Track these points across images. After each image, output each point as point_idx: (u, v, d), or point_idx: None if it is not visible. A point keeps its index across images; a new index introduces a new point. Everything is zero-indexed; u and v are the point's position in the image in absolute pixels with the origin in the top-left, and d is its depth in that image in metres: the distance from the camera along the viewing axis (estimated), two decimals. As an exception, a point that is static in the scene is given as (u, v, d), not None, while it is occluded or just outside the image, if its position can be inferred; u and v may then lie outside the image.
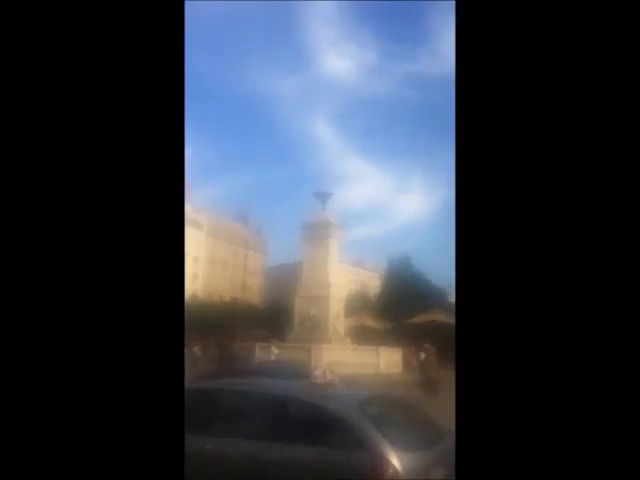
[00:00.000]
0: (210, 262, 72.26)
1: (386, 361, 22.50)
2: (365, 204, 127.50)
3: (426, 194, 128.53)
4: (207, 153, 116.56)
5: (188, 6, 3.02)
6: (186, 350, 15.26)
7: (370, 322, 30.60)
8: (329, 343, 21.39)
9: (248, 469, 4.00)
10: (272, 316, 33.09)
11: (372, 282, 59.82)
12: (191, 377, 8.24)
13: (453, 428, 2.56)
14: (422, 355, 18.15)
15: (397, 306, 34.14)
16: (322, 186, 26.25)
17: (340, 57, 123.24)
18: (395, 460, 3.64)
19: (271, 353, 18.96)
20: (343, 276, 34.19)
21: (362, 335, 25.46)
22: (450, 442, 3.25)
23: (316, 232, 24.50)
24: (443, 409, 4.76)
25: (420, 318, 29.01)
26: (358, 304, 36.74)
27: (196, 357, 20.01)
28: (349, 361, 18.75)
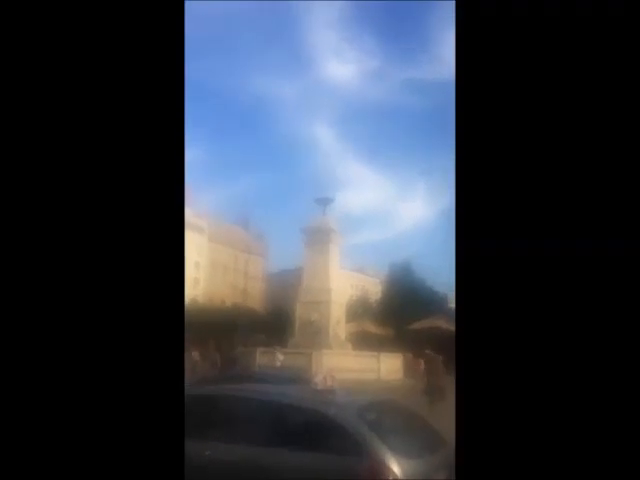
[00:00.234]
0: (211, 267, 72.28)
1: (387, 367, 22.46)
2: (366, 209, 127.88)
3: (427, 200, 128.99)
4: (208, 157, 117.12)
5: (188, 7, 3.02)
6: (186, 355, 15.21)
7: (371, 328, 30.55)
8: (330, 349, 21.33)
9: (248, 475, 3.99)
10: (273, 321, 33.09)
11: (373, 288, 59.80)
12: (191, 382, 8.23)
13: (453, 434, 2.55)
14: (422, 363, 18.06)
15: (398, 312, 34.07)
16: (323, 191, 26.45)
17: (342, 62, 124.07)
18: (395, 466, 3.63)
19: (276, 359, 18.72)
20: (344, 282, 34.18)
21: (363, 341, 25.41)
22: (450, 448, 3.24)
23: (317, 237, 24.52)
24: (444, 416, 4.75)
25: (421, 324, 28.91)
26: (359, 310, 36.74)
27: (196, 362, 19.95)
28: (350, 367, 18.71)
